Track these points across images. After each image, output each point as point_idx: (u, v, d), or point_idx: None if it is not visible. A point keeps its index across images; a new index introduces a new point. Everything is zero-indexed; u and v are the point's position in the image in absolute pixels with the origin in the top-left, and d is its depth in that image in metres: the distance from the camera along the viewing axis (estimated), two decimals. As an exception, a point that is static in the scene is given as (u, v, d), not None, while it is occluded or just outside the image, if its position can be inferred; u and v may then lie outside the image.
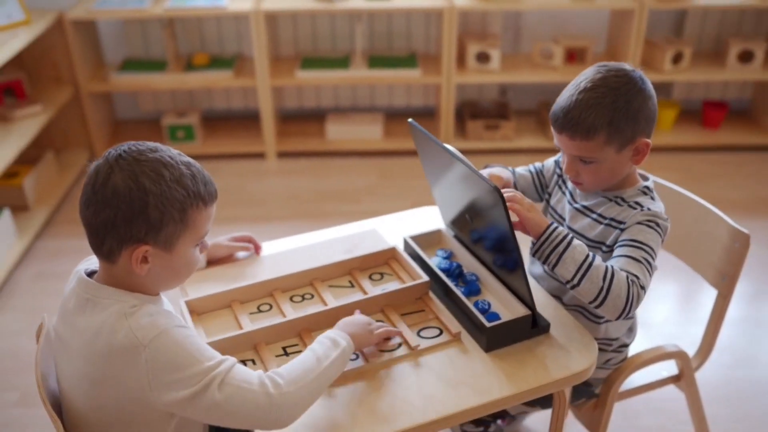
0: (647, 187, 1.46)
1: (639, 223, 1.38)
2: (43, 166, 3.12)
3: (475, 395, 1.26)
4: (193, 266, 1.23)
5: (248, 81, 3.33)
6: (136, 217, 1.11)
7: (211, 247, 1.60)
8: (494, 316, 1.40)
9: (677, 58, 3.34)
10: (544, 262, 1.33)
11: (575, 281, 1.30)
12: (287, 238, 1.73)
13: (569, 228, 1.50)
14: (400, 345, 1.37)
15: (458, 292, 1.42)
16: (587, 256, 1.31)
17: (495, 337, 1.34)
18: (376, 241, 1.66)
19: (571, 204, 1.51)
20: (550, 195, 1.61)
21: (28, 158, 3.16)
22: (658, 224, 1.38)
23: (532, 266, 1.62)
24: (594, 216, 1.46)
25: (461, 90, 3.67)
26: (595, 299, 1.29)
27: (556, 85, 1.36)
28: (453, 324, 1.40)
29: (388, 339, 1.36)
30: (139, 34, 3.51)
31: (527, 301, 1.36)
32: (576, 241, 1.32)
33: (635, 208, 1.40)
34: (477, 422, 1.58)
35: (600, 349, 1.54)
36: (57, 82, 3.29)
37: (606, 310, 1.30)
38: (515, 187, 1.63)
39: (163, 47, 3.49)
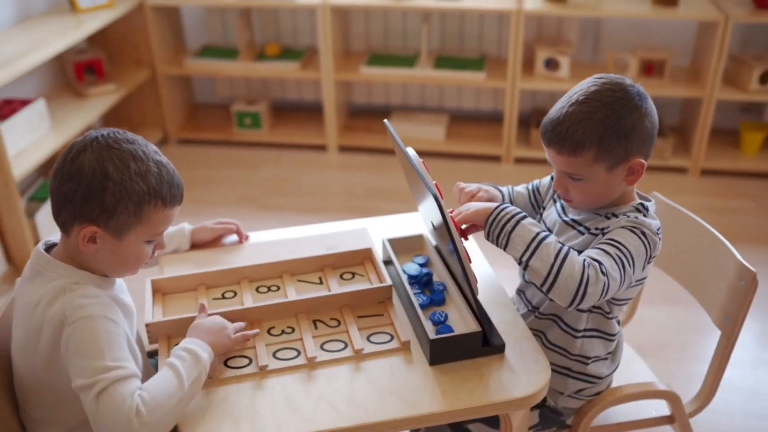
0: (642, 205, 1.36)
1: (622, 227, 1.29)
2: (114, 142, 3.29)
3: (402, 407, 1.21)
4: (142, 260, 1.26)
5: (314, 73, 3.38)
6: (92, 197, 1.15)
7: (196, 230, 1.63)
8: (447, 329, 1.34)
9: (766, 77, 3.08)
10: (497, 245, 1.27)
11: (524, 259, 1.22)
12: (278, 230, 1.73)
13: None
14: (345, 346, 1.34)
15: (414, 299, 1.38)
16: (537, 234, 1.22)
17: (439, 351, 1.29)
18: (361, 241, 1.64)
19: (560, 216, 1.44)
20: (544, 209, 1.53)
21: (103, 133, 3.34)
22: (643, 233, 1.28)
23: (521, 278, 1.55)
24: (581, 228, 1.38)
25: (532, 96, 3.55)
26: (546, 280, 1.20)
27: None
28: (405, 332, 1.36)
29: (246, 340, 1.32)
30: (219, 21, 3.63)
31: (479, 317, 1.30)
32: (528, 220, 1.25)
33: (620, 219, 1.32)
34: (437, 436, 1.52)
35: (573, 377, 1.44)
36: (137, 64, 3.46)
37: (557, 293, 1.20)
38: (511, 203, 1.56)
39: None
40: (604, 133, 1.26)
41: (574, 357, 1.43)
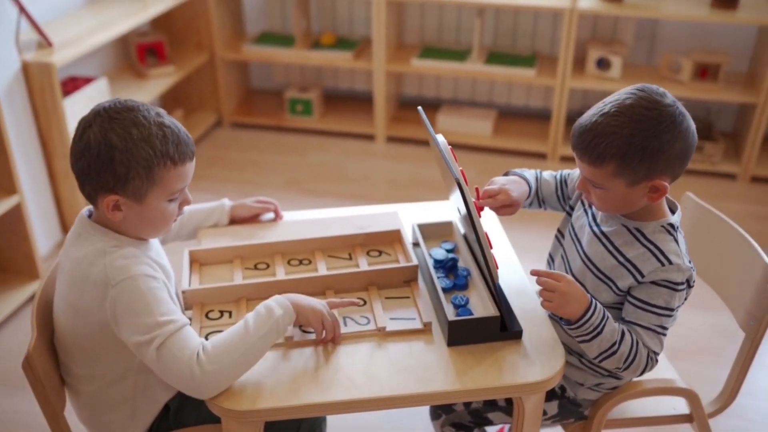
0: (671, 225, 1.35)
1: (656, 283, 1.31)
2: (170, 122, 3.42)
3: (415, 384, 1.26)
4: (169, 218, 1.30)
5: (366, 64, 3.43)
6: (104, 169, 1.21)
7: (236, 206, 1.70)
8: (466, 312, 1.38)
9: (826, 86, 3.00)
10: (575, 334, 1.33)
11: (597, 360, 1.33)
12: (313, 210, 1.79)
13: (583, 253, 1.43)
14: (368, 322, 1.39)
15: (437, 282, 1.42)
16: (613, 344, 1.30)
17: (457, 332, 1.33)
18: (391, 224, 1.68)
19: (591, 227, 1.43)
20: (572, 208, 1.53)
21: (161, 113, 3.47)
22: (676, 283, 1.31)
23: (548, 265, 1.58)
24: (610, 248, 1.37)
25: (583, 95, 3.54)
26: (613, 370, 1.37)
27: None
28: (427, 314, 1.40)
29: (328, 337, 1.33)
30: (279, 9, 3.72)
31: (498, 302, 1.34)
32: (606, 328, 1.29)
33: (653, 253, 1.32)
34: (458, 426, 1.55)
35: (592, 371, 1.47)
36: (197, 48, 3.57)
37: (621, 374, 1.39)
38: (537, 194, 1.56)
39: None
40: (627, 151, 1.24)
41: (590, 362, 1.46)
